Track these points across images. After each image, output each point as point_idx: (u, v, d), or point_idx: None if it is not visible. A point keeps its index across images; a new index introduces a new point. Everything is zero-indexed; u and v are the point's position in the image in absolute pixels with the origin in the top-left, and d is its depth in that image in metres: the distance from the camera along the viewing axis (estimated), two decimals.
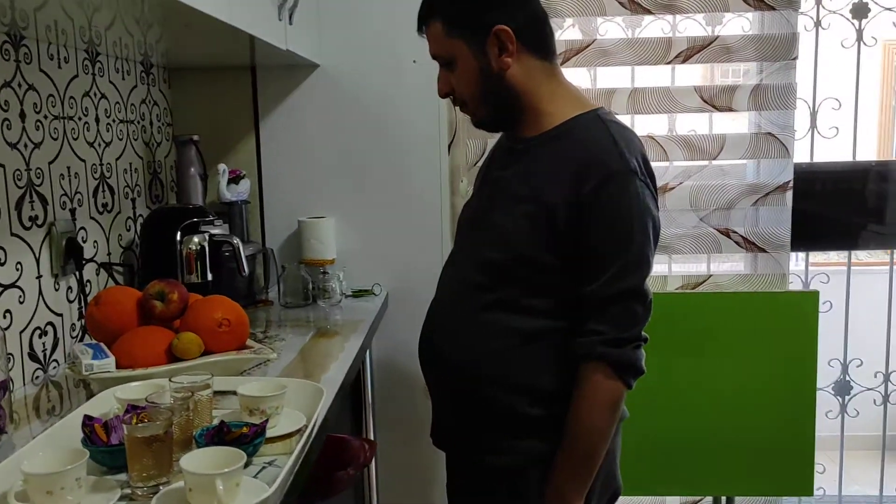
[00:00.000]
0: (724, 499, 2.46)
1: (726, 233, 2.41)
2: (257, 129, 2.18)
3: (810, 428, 2.30)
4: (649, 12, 2.33)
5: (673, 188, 2.40)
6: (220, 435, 1.01)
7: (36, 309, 1.46)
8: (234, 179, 2.07)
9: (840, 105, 2.57)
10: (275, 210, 2.19)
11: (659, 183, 2.36)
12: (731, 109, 2.36)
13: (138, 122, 1.94)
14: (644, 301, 1.29)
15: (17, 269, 1.40)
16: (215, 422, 1.08)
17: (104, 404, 1.14)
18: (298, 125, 2.17)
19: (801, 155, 2.57)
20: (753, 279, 2.46)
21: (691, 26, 2.43)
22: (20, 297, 1.40)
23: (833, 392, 2.74)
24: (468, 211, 1.49)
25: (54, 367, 1.50)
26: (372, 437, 2.22)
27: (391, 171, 2.17)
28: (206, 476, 0.87)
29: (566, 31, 2.39)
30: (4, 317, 1.36)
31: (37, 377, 1.45)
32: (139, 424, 0.94)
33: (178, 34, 1.64)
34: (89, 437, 1.01)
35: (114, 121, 1.80)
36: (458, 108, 1.43)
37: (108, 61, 1.78)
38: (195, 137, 2.00)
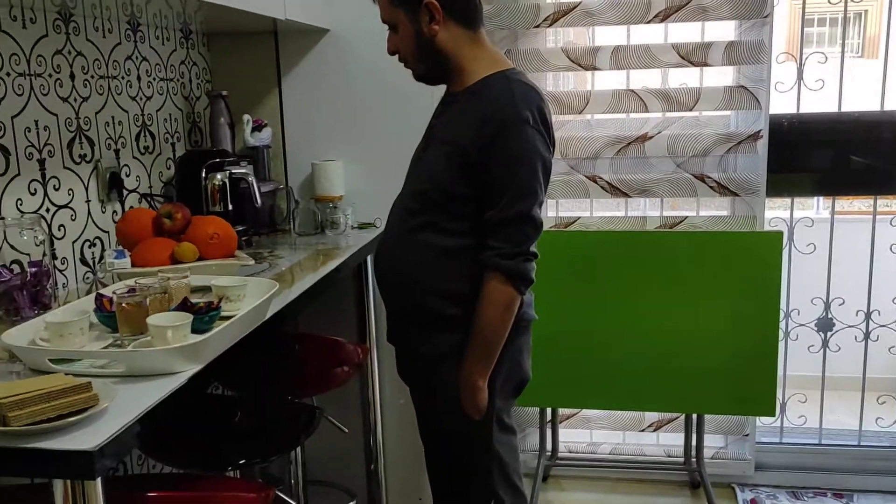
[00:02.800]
0: (694, 417, 2.73)
1: (701, 178, 2.63)
2: (280, 85, 2.57)
3: (772, 354, 2.54)
4: None
5: (652, 137, 2.63)
6: (185, 307, 1.41)
7: (86, 226, 1.91)
8: (258, 128, 2.47)
9: (826, 59, 2.72)
10: (294, 154, 2.59)
11: (638, 132, 2.62)
12: (706, 64, 2.56)
13: (178, 80, 2.37)
14: (533, 224, 1.60)
15: (69, 195, 1.85)
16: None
17: (115, 288, 1.57)
18: (313, 81, 2.54)
19: (789, 106, 2.75)
20: (728, 220, 2.68)
21: None
22: (72, 215, 1.86)
23: (816, 328, 2.92)
24: (415, 152, 1.83)
25: (101, 272, 1.96)
26: (376, 346, 2.61)
27: (392, 121, 2.51)
28: (159, 327, 1.28)
29: None
30: (59, 229, 1.82)
31: (87, 277, 1.92)
32: (124, 298, 1.36)
33: (206, 7, 2.03)
34: (99, 306, 1.44)
35: (154, 79, 2.23)
36: (402, 64, 1.76)
37: (148, 31, 2.20)
38: (224, 92, 2.41)
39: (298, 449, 2.24)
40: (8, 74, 1.65)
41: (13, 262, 1.59)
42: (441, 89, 1.79)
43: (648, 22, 2.56)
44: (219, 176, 2.20)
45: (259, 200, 2.24)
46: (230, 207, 2.21)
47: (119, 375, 1.23)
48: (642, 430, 2.88)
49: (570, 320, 2.57)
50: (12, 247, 1.59)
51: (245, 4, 1.90)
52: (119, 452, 1.05)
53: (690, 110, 2.61)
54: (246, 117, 2.45)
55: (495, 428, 1.72)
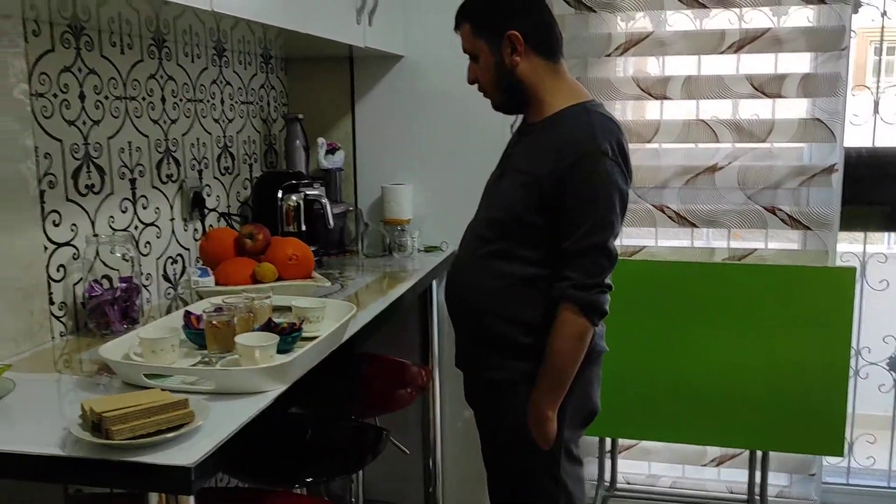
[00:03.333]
0: (759, 454, 2.68)
1: (772, 210, 2.59)
2: (353, 110, 2.63)
3: (842, 392, 2.48)
4: (705, 6, 2.54)
5: (722, 167, 2.61)
6: (269, 327, 1.45)
7: (169, 243, 1.98)
8: (331, 151, 2.53)
9: None
10: (365, 177, 2.65)
11: (707, 163, 2.60)
12: (780, 96, 2.54)
13: (257, 103, 2.45)
14: (609, 255, 1.61)
15: (156, 213, 1.93)
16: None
17: (202, 306, 1.63)
18: (387, 107, 2.60)
19: (860, 138, 2.70)
20: (798, 254, 2.64)
21: (757, 17, 2.61)
22: (157, 233, 1.93)
23: (887, 367, 2.84)
24: (490, 179, 1.85)
25: (182, 288, 2.03)
26: (438, 369, 2.64)
27: (461, 147, 2.55)
28: (248, 347, 1.32)
29: (634, 23, 2.66)
30: (146, 246, 1.89)
31: (168, 293, 1.98)
32: (213, 316, 1.41)
33: (287, 33, 2.10)
34: (187, 323, 1.49)
35: (236, 102, 2.31)
36: (482, 93, 1.79)
37: (232, 56, 2.28)
38: (300, 116, 2.47)
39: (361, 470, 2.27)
40: (106, 98, 1.74)
41: (104, 276, 1.66)
42: (512, 117, 1.82)
43: (721, 52, 2.55)
44: (294, 197, 2.26)
45: (331, 222, 2.29)
46: (304, 228, 2.27)
47: (208, 392, 1.28)
48: (704, 465, 2.83)
49: (632, 349, 2.55)
50: (104, 263, 1.66)
51: (327, 32, 1.96)
52: (214, 468, 1.09)
53: (762, 141, 2.58)
54: (320, 140, 2.51)
55: (563, 458, 1.72)
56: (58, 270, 1.61)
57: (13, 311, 1.49)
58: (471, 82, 1.78)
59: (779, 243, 2.76)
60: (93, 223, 1.70)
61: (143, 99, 1.86)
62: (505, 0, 1.70)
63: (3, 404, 1.24)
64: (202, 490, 1.10)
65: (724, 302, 2.49)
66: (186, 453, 1.07)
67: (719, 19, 2.62)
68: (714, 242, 2.78)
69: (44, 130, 1.56)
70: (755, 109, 2.70)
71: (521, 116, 1.82)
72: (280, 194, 2.25)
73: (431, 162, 2.60)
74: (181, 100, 2.02)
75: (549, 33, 1.71)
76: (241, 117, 2.35)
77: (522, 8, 1.68)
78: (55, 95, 1.58)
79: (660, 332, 2.55)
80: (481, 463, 1.99)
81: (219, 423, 1.16)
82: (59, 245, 1.61)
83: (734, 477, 2.81)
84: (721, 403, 2.52)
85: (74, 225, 1.65)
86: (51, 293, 1.59)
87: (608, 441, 2.79)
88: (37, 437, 1.13)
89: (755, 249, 2.67)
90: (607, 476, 2.81)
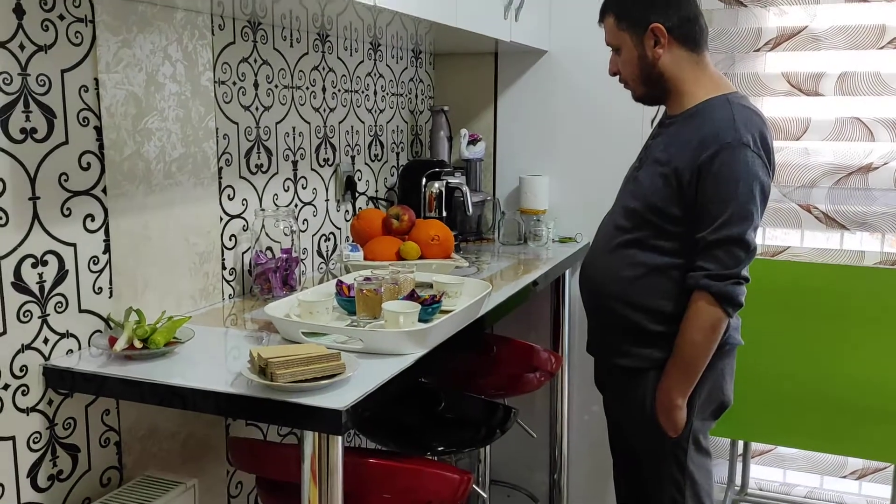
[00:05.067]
0: None
1: None
2: (496, 103, 2.73)
3: None
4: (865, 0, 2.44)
5: (877, 167, 2.50)
6: (412, 298, 1.57)
7: (323, 222, 2.16)
8: (473, 142, 2.64)
9: None
10: (503, 168, 2.74)
11: (861, 162, 2.50)
12: None
13: (406, 95, 2.59)
14: (746, 247, 1.61)
15: (314, 193, 2.10)
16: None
17: (353, 277, 1.77)
18: (527, 100, 2.68)
19: None
20: None
21: None
22: (314, 211, 2.11)
23: None
24: (629, 171, 1.89)
25: (333, 263, 2.20)
26: (568, 358, 2.68)
27: (598, 141, 2.59)
28: (393, 312, 1.44)
29: (786, 17, 2.58)
30: (303, 223, 2.07)
31: (321, 267, 2.16)
32: (364, 285, 1.54)
33: (437, 28, 2.23)
34: (339, 291, 1.64)
35: (387, 94, 2.46)
36: (622, 85, 1.83)
37: (386, 50, 2.44)
38: (445, 108, 2.60)
39: (488, 447, 2.36)
40: (276, 86, 1.92)
41: (267, 248, 1.84)
42: (650, 112, 1.84)
43: (881, 48, 2.44)
44: (436, 185, 2.38)
45: (470, 209, 2.39)
46: (444, 214, 2.39)
47: (357, 351, 1.41)
48: (843, 477, 2.71)
49: (771, 351, 2.49)
50: (268, 235, 1.84)
51: (476, 27, 2.06)
52: (361, 414, 1.21)
53: None
54: (463, 131, 2.63)
55: (691, 448, 1.74)
56: (230, 239, 1.80)
57: (193, 272, 1.69)
58: (612, 74, 1.82)
59: None
60: (260, 199, 1.89)
61: (307, 88, 2.04)
62: None
63: (184, 349, 1.42)
64: (347, 449, 1.23)
65: (873, 308, 2.39)
66: (339, 398, 1.19)
67: (879, 12, 2.50)
68: (866, 247, 2.66)
69: (224, 114, 1.75)
70: None
71: (661, 110, 1.84)
72: (424, 181, 2.38)
73: (569, 155, 2.65)
74: (339, 90, 2.19)
75: (694, 25, 1.72)
76: (391, 108, 2.50)
77: (666, 1, 1.71)
78: (234, 83, 1.78)
79: (801, 335, 2.48)
80: (607, 455, 2.03)
81: (366, 377, 1.28)
82: (232, 217, 1.81)
83: (877, 492, 2.68)
84: (865, 413, 2.41)
85: (245, 199, 1.84)
86: (223, 259, 1.78)
87: (741, 444, 2.73)
88: (211, 378, 1.29)
89: None
90: (738, 479, 2.75)
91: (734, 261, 1.61)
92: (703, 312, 1.63)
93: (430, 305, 1.56)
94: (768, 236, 2.76)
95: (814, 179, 2.57)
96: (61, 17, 1.34)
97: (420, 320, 1.49)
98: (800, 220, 2.61)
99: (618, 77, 1.82)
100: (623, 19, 1.74)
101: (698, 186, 1.62)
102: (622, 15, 1.74)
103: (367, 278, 1.60)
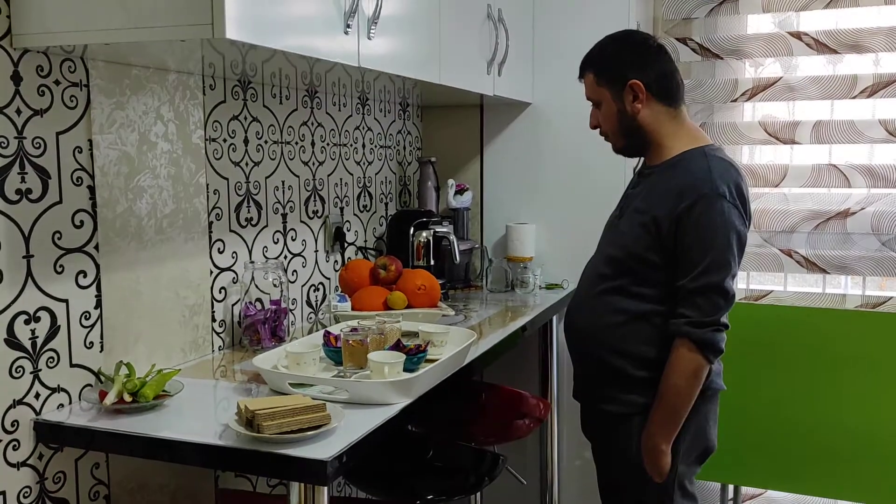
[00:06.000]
0: None
1: None
2: (482, 153, 2.80)
3: None
4: (836, 52, 2.53)
5: (854, 213, 2.56)
6: (398, 348, 1.60)
7: (313, 272, 2.20)
8: (460, 191, 2.69)
9: None
10: (490, 216, 2.80)
11: (839, 207, 2.56)
12: None
13: (394, 147, 2.66)
14: (725, 295, 1.65)
15: (303, 244, 2.15)
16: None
17: (340, 328, 1.80)
18: (513, 150, 2.75)
19: None
20: None
21: (894, 62, 2.57)
22: (303, 262, 2.15)
23: None
24: (610, 218, 1.94)
25: (322, 313, 2.23)
26: (557, 403, 2.70)
27: (583, 190, 2.65)
28: (378, 363, 1.47)
29: (763, 69, 2.68)
30: (293, 274, 2.11)
31: (310, 317, 2.19)
32: (350, 335, 1.57)
33: (424, 84, 2.30)
34: (326, 342, 1.67)
35: (376, 146, 2.53)
36: (603, 137, 1.89)
37: (374, 104, 2.51)
38: (433, 159, 2.66)
39: (479, 494, 2.36)
40: (266, 142, 1.98)
41: (257, 299, 1.88)
42: (632, 161, 1.90)
43: (854, 97, 2.52)
44: (424, 234, 2.43)
45: (458, 258, 2.44)
46: (432, 262, 2.43)
47: (343, 402, 1.43)
48: None
49: (759, 395, 2.51)
50: (258, 287, 1.88)
51: (459, 83, 2.13)
52: (345, 465, 1.24)
53: None
54: (450, 181, 2.69)
55: (677, 493, 1.75)
56: (220, 292, 1.84)
57: (183, 324, 1.72)
58: (592, 127, 1.88)
59: None
60: (250, 251, 1.93)
61: (296, 143, 2.10)
62: (627, 51, 1.80)
63: (174, 402, 1.45)
64: (333, 499, 1.25)
65: (855, 350, 2.42)
66: (324, 449, 1.22)
67: (854, 64, 2.59)
68: (850, 290, 2.71)
69: (214, 170, 1.80)
70: (893, 154, 2.63)
71: (642, 159, 1.90)
72: (412, 231, 2.43)
73: (554, 203, 2.71)
74: (328, 144, 2.25)
75: (671, 81, 1.79)
76: (380, 160, 2.56)
77: (644, 58, 1.78)
78: (224, 140, 1.83)
79: (786, 378, 2.50)
80: (598, 501, 2.03)
81: (351, 427, 1.30)
82: (222, 270, 1.84)
83: None
84: (853, 456, 2.43)
85: (235, 252, 1.88)
86: (213, 311, 1.82)
87: (731, 488, 2.73)
88: (199, 430, 1.32)
89: (891, 297, 2.58)
90: None
91: (714, 308, 1.65)
92: (685, 359, 1.66)
93: (415, 355, 1.59)
94: (752, 281, 2.81)
95: (794, 225, 2.63)
96: (57, 83, 1.40)
97: (405, 370, 1.52)
98: (781, 265, 2.66)
99: (598, 130, 1.88)
100: (602, 76, 1.81)
101: (677, 235, 1.67)
102: (601, 72, 1.81)
103: (354, 329, 1.64)
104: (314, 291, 2.21)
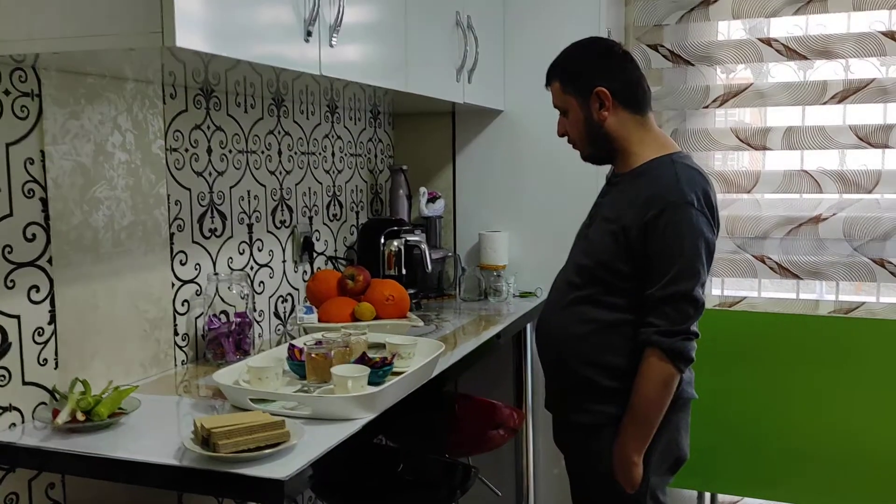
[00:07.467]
0: None
1: (881, 263, 2.51)
2: (454, 160, 2.77)
3: None
4: (806, 59, 2.54)
5: (826, 218, 2.56)
6: (363, 360, 1.57)
7: (280, 283, 2.16)
8: (432, 199, 2.67)
9: None
10: (463, 224, 2.77)
11: (811, 213, 2.56)
12: (887, 146, 2.48)
13: (364, 156, 2.63)
14: (694, 303, 1.63)
15: (270, 255, 2.11)
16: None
17: (305, 341, 1.77)
18: (485, 158, 2.73)
19: None
20: None
21: (863, 67, 2.58)
22: (270, 273, 2.11)
23: None
24: (580, 227, 1.92)
25: (290, 325, 2.20)
26: (531, 413, 2.68)
27: (555, 197, 2.63)
28: (341, 377, 1.44)
29: (735, 75, 2.68)
30: (260, 285, 2.07)
31: (278, 329, 2.15)
32: (313, 349, 1.54)
33: (394, 92, 2.27)
34: (290, 355, 1.63)
35: (346, 154, 2.49)
36: (571, 145, 1.88)
37: (343, 112, 2.47)
38: (404, 167, 2.63)
39: None
40: (230, 151, 1.94)
41: (222, 311, 1.84)
42: (604, 169, 1.88)
43: (824, 103, 2.52)
44: (395, 243, 2.40)
45: (430, 266, 2.41)
46: (404, 272, 2.40)
47: (305, 417, 1.40)
48: None
49: (734, 402, 2.51)
50: (222, 299, 1.84)
51: (428, 91, 2.10)
52: (304, 483, 1.20)
53: (870, 192, 2.52)
54: (422, 190, 2.66)
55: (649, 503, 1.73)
56: (182, 305, 1.80)
57: (143, 339, 1.68)
58: (560, 135, 1.86)
59: (891, 297, 2.65)
60: (214, 263, 1.89)
61: (262, 152, 2.07)
62: (592, 59, 1.78)
63: (130, 419, 1.41)
64: None
65: (829, 356, 2.42)
66: (281, 468, 1.18)
67: (824, 70, 2.60)
68: (824, 295, 2.71)
69: (175, 181, 1.76)
70: (864, 160, 2.64)
71: (612, 167, 1.88)
72: (382, 240, 2.40)
73: (527, 210, 2.69)
74: (296, 153, 2.21)
75: (637, 88, 1.78)
76: (350, 168, 2.53)
77: (609, 66, 1.76)
78: (186, 150, 1.79)
79: (760, 385, 2.49)
80: None
81: (312, 444, 1.27)
82: (185, 282, 1.80)
83: None
84: (828, 461, 2.42)
85: (198, 264, 1.84)
86: (175, 325, 1.77)
87: (707, 496, 2.72)
88: (156, 450, 1.28)
89: (863, 303, 2.58)
90: None
91: (683, 317, 1.63)
92: (655, 368, 1.64)
93: (381, 368, 1.56)
94: (727, 287, 2.80)
95: (766, 231, 2.62)
96: (6, 93, 1.36)
97: (371, 383, 1.49)
98: (755, 271, 2.65)
99: (566, 138, 1.86)
100: (568, 84, 1.79)
101: (645, 244, 1.65)
102: (567, 80, 1.79)
103: (318, 342, 1.60)
104: (282, 303, 2.17)
